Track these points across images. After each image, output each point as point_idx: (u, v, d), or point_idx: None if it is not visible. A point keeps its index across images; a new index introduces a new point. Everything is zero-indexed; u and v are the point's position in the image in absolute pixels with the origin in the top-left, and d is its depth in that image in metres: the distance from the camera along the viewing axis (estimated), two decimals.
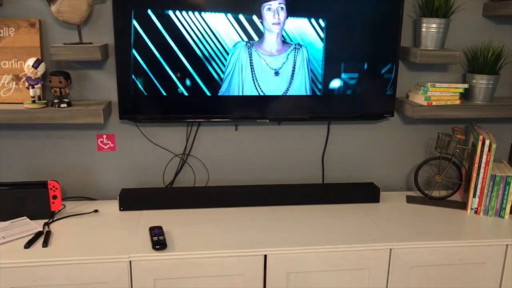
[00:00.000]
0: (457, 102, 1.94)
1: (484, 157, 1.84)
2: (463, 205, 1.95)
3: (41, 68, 1.71)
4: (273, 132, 2.03)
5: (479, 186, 1.87)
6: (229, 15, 1.77)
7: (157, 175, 2.02)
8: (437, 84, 1.91)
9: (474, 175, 1.87)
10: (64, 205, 1.86)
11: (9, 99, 1.79)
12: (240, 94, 1.87)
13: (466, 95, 2.00)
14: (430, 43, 1.89)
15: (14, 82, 1.78)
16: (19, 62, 1.77)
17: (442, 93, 1.92)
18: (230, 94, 1.86)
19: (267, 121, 1.94)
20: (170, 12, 1.75)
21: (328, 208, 1.90)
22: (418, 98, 1.94)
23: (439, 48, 1.89)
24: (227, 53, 1.81)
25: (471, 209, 1.90)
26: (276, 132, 2.04)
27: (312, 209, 1.89)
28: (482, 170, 1.86)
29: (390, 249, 1.64)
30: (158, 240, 1.57)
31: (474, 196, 1.89)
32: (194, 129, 1.98)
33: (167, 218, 1.77)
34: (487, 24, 2.01)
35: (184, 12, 1.76)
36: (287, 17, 1.80)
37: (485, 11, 1.98)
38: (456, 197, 2.04)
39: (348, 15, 1.84)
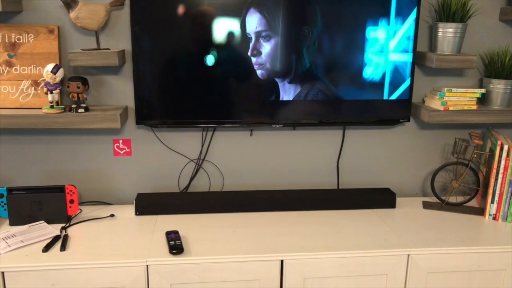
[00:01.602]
0: (474, 107, 1.92)
1: (503, 162, 1.82)
2: (480, 211, 1.93)
3: (60, 74, 1.73)
4: (288, 137, 2.03)
5: (497, 192, 1.85)
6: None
7: (172, 180, 2.02)
8: (454, 89, 1.90)
9: (492, 180, 1.85)
10: (81, 210, 1.87)
11: (27, 104, 1.81)
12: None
13: (483, 100, 1.98)
14: (446, 48, 1.88)
15: (33, 88, 1.80)
16: (37, 68, 1.80)
17: (459, 98, 1.91)
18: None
19: (282, 126, 1.94)
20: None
21: (344, 214, 1.89)
22: (435, 103, 1.93)
23: (455, 53, 1.88)
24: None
25: (489, 215, 1.88)
26: (291, 137, 2.04)
27: (327, 214, 1.89)
28: (500, 176, 1.84)
29: (408, 255, 1.63)
30: (175, 244, 1.58)
31: (492, 202, 1.86)
32: (209, 134, 1.99)
33: (183, 223, 1.78)
34: (504, 28, 1.99)
35: (199, 18, 1.77)
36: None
37: (502, 15, 1.97)
38: (473, 203, 2.01)
39: (364, 22, 1.84)
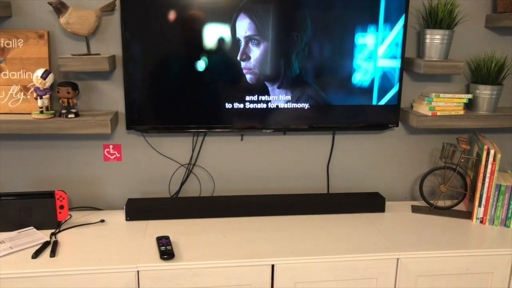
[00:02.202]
0: (461, 112, 1.95)
1: (489, 167, 1.85)
2: (468, 215, 1.95)
3: (50, 79, 1.73)
4: (278, 142, 2.05)
5: (484, 196, 1.88)
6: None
7: (163, 185, 2.02)
8: (442, 95, 1.93)
9: (479, 185, 1.88)
10: (71, 215, 1.86)
11: (17, 109, 1.80)
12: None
13: (470, 105, 2.02)
14: (434, 54, 1.91)
15: (22, 93, 1.80)
16: (27, 73, 1.79)
17: (447, 103, 1.94)
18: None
19: (272, 131, 1.96)
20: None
21: (334, 218, 1.91)
22: (423, 108, 1.96)
23: (443, 59, 1.91)
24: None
25: (477, 218, 1.91)
26: (282, 142, 2.05)
27: (317, 218, 1.90)
28: (487, 180, 1.87)
29: (397, 259, 1.65)
30: (166, 250, 1.58)
31: (479, 205, 1.89)
32: (200, 139, 1.99)
33: (174, 228, 1.78)
34: (490, 35, 2.03)
35: (190, 23, 1.78)
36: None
37: (487, 22, 2.01)
38: (461, 206, 2.04)
39: (352, 28, 1.87)
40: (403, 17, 1.88)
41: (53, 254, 1.56)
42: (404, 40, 1.91)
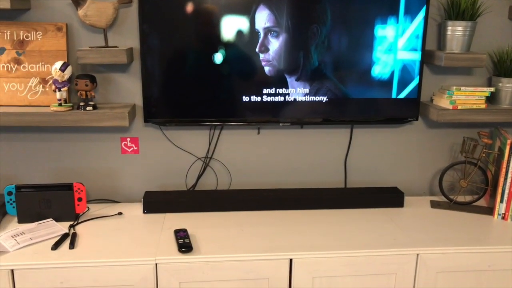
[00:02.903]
0: (483, 106, 1.91)
1: None
2: (489, 211, 1.92)
3: (68, 71, 1.73)
4: (295, 136, 2.03)
5: (506, 191, 1.84)
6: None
7: (179, 178, 2.02)
8: (463, 88, 1.89)
9: (502, 179, 1.84)
10: (89, 208, 1.87)
11: (36, 102, 1.81)
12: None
13: (491, 99, 1.97)
14: (455, 47, 1.87)
15: (41, 85, 1.80)
16: (46, 66, 1.79)
17: (468, 97, 1.90)
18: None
19: (289, 124, 1.94)
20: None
21: (352, 213, 1.89)
22: (443, 102, 1.92)
23: (465, 51, 1.87)
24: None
25: (498, 214, 1.87)
26: (299, 136, 2.03)
27: (335, 213, 1.88)
28: (509, 175, 1.83)
29: (417, 254, 1.62)
30: (184, 243, 1.58)
31: (501, 201, 1.86)
32: (216, 132, 1.98)
33: (191, 221, 1.77)
34: None
35: (208, 15, 1.77)
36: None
37: (511, 14, 1.96)
38: (482, 202, 2.01)
39: (373, 19, 1.84)
40: (424, 8, 1.84)
41: (72, 246, 1.57)
42: (424, 32, 1.87)
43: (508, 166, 1.82)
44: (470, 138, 1.97)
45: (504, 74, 1.94)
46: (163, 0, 1.74)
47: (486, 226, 1.81)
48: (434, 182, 2.13)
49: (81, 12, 1.71)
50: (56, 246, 1.56)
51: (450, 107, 1.89)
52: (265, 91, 1.86)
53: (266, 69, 1.83)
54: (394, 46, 1.87)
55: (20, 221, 1.74)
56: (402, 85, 1.92)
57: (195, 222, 1.77)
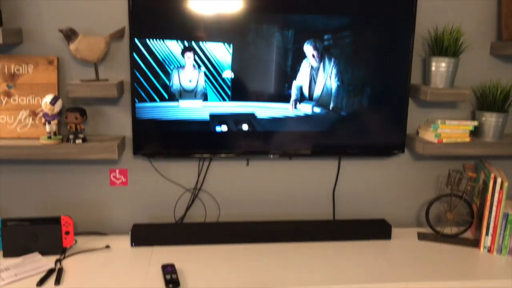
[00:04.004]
0: (467, 139, 1.95)
1: (496, 195, 1.84)
2: (475, 243, 1.94)
3: (58, 105, 1.74)
4: (284, 167, 2.05)
5: (491, 225, 1.87)
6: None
7: (168, 210, 2.02)
8: (447, 121, 1.93)
9: (487, 213, 1.87)
10: (76, 240, 1.85)
11: (25, 134, 1.81)
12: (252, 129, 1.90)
13: (475, 132, 2.01)
14: (439, 81, 1.92)
15: (31, 118, 1.81)
16: (36, 98, 1.80)
17: (452, 130, 1.94)
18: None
19: (278, 156, 1.96)
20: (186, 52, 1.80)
21: (340, 245, 1.89)
22: (428, 135, 1.96)
23: (448, 86, 1.92)
24: None
25: (484, 247, 1.89)
26: (288, 167, 2.05)
27: (324, 246, 1.89)
28: (494, 208, 1.86)
29: None
30: (171, 278, 1.56)
31: (487, 234, 1.88)
32: (205, 163, 2.00)
33: (179, 255, 1.77)
34: (495, 63, 2.04)
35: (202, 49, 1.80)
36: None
37: (493, 50, 2.02)
38: (468, 234, 2.03)
39: (360, 54, 1.89)
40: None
41: (57, 282, 1.55)
42: (410, 67, 1.92)
43: (492, 199, 1.85)
44: (455, 171, 2.00)
45: (487, 108, 1.99)
46: (154, 35, 1.77)
47: (473, 260, 1.83)
48: (421, 213, 2.15)
49: (72, 46, 1.73)
50: (41, 282, 1.54)
51: (435, 140, 1.93)
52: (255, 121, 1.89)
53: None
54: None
55: (6, 255, 1.72)
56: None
57: (183, 256, 1.76)
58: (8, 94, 1.79)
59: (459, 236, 2.00)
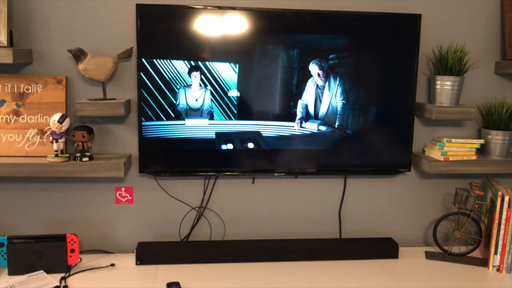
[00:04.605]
0: (474, 157, 1.94)
1: (504, 213, 1.83)
2: (484, 262, 1.91)
3: (66, 123, 1.76)
4: (290, 186, 2.04)
5: (500, 243, 1.85)
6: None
7: (173, 228, 2.01)
8: (453, 140, 1.93)
9: (495, 231, 1.85)
10: (81, 259, 1.85)
11: (32, 152, 1.82)
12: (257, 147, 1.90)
13: (482, 150, 2.01)
14: (445, 100, 1.92)
15: (39, 136, 1.83)
16: (44, 117, 1.83)
17: (459, 148, 1.93)
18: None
19: (284, 174, 1.96)
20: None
21: (347, 264, 1.88)
22: (435, 153, 1.96)
23: (454, 105, 1.93)
24: None
25: (493, 266, 1.86)
26: (293, 185, 2.04)
27: (330, 265, 1.87)
28: (502, 227, 1.84)
29: None
30: None
31: (495, 253, 1.86)
32: (211, 182, 2.00)
33: (184, 273, 1.76)
34: (500, 81, 2.05)
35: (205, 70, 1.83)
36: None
37: (497, 69, 2.03)
38: (477, 253, 2.00)
39: (365, 73, 1.90)
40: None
41: None
42: (415, 85, 1.93)
43: (500, 217, 1.84)
44: (462, 189, 1.99)
45: (492, 126, 1.99)
46: (160, 55, 1.79)
47: (482, 279, 1.80)
48: (429, 232, 2.13)
49: (81, 66, 1.76)
50: None
51: (442, 158, 1.92)
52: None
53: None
54: None
55: (11, 273, 1.71)
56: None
57: (188, 274, 1.75)
58: (17, 113, 1.82)
59: (468, 255, 1.98)
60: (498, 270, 1.86)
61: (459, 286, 1.73)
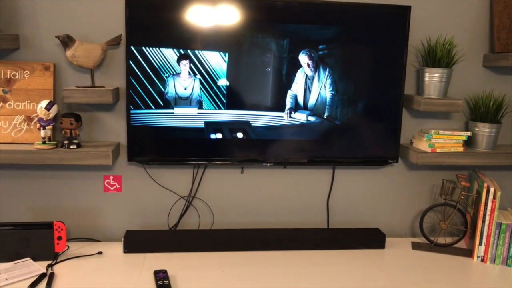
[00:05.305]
0: (461, 149, 1.96)
1: (489, 204, 1.85)
2: (469, 253, 1.94)
3: (54, 110, 1.75)
4: (278, 175, 2.05)
5: (485, 234, 1.87)
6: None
7: (162, 217, 2.01)
8: (441, 132, 1.95)
9: (480, 222, 1.88)
10: (68, 246, 1.84)
11: (19, 139, 1.81)
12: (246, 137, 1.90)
13: (469, 143, 2.03)
14: (433, 92, 1.94)
15: (26, 123, 1.81)
16: (31, 104, 1.81)
17: (446, 140, 1.95)
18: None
19: (273, 164, 1.97)
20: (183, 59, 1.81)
21: (334, 254, 1.89)
22: (422, 145, 1.97)
23: (442, 97, 1.94)
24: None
25: (478, 257, 1.89)
26: (282, 176, 2.05)
27: (317, 254, 1.88)
28: (487, 218, 1.86)
29: None
30: (163, 284, 1.56)
31: (480, 244, 1.88)
32: (200, 171, 2.00)
33: (172, 262, 1.76)
34: (488, 74, 2.07)
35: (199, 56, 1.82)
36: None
37: (485, 62, 2.05)
38: (462, 244, 2.03)
39: (354, 64, 1.91)
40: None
41: (49, 286, 1.54)
42: (403, 77, 1.94)
43: (485, 209, 1.86)
44: (449, 180, 2.01)
45: (480, 119, 2.01)
46: (149, 42, 1.78)
47: (466, 269, 1.82)
48: (415, 223, 2.15)
49: (69, 53, 1.75)
50: (32, 286, 1.53)
51: (429, 150, 1.94)
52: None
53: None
54: None
55: None
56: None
57: (176, 263, 1.75)
58: (3, 99, 1.80)
59: (453, 245, 2.00)
60: (482, 260, 1.89)
61: (444, 276, 1.75)
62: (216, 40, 1.82)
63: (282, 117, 1.91)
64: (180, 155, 1.90)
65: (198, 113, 1.86)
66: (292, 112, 1.91)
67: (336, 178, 2.08)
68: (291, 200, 2.07)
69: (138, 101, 1.82)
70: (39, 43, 1.82)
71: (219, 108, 1.87)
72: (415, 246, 2.00)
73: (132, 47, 1.78)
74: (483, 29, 2.03)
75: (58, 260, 1.74)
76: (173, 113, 1.85)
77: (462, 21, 2.01)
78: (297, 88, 1.90)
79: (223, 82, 1.85)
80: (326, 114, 1.93)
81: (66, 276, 1.63)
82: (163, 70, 1.82)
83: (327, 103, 1.92)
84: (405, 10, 1.91)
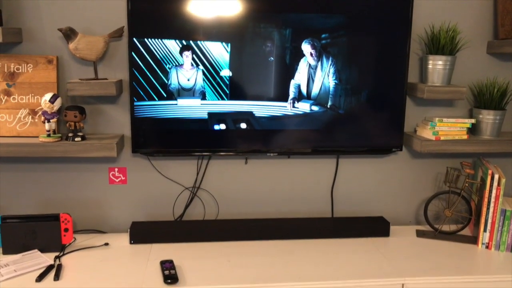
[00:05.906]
0: (465, 136, 1.96)
1: (494, 191, 1.85)
2: (473, 240, 1.94)
3: (58, 103, 1.75)
4: (283, 166, 2.05)
5: (489, 221, 1.87)
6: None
7: (167, 208, 2.03)
8: (445, 119, 1.94)
9: (484, 209, 1.88)
10: (75, 238, 1.86)
11: (24, 132, 1.82)
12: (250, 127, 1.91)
13: (473, 130, 2.02)
14: (437, 79, 1.93)
15: (30, 116, 1.82)
16: (35, 97, 1.82)
17: (450, 128, 1.95)
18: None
19: (277, 154, 1.97)
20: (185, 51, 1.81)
21: (338, 242, 1.90)
22: (426, 133, 1.97)
23: (445, 84, 1.93)
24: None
25: (482, 243, 1.89)
26: (286, 165, 2.06)
27: (322, 243, 1.89)
28: (492, 205, 1.86)
29: (402, 284, 1.63)
30: (170, 274, 1.57)
31: (484, 230, 1.88)
32: (204, 162, 2.01)
33: (178, 252, 1.77)
34: (492, 61, 2.06)
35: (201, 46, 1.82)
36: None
37: (489, 48, 2.03)
38: (466, 231, 2.03)
39: (357, 52, 1.90)
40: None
41: (57, 277, 1.56)
42: (407, 65, 1.93)
43: (490, 196, 1.86)
44: (453, 168, 2.01)
45: (484, 106, 2.00)
46: (152, 34, 1.78)
47: (471, 256, 1.83)
48: (420, 211, 2.16)
49: (71, 45, 1.75)
50: (40, 278, 1.55)
51: (433, 138, 1.94)
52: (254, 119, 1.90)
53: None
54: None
55: (5, 252, 1.73)
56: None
57: (181, 253, 1.77)
58: (7, 93, 1.81)
59: (458, 233, 2.00)
60: (487, 247, 1.89)
61: (449, 263, 1.75)
62: (218, 31, 1.82)
63: (286, 107, 1.91)
64: (184, 146, 1.91)
65: (201, 104, 1.87)
66: (296, 102, 1.91)
67: (340, 167, 2.08)
68: (296, 189, 2.08)
69: (142, 93, 1.83)
70: (42, 36, 1.82)
71: (222, 98, 1.87)
72: (420, 234, 2.01)
73: (134, 39, 1.78)
74: (487, 15, 2.02)
75: (65, 252, 1.76)
76: (176, 104, 1.85)
77: (466, 8, 1.99)
78: (300, 77, 1.89)
79: (225, 72, 1.85)
80: (329, 103, 1.93)
81: (73, 267, 1.65)
82: (165, 61, 1.82)
83: (330, 92, 1.92)
84: None
